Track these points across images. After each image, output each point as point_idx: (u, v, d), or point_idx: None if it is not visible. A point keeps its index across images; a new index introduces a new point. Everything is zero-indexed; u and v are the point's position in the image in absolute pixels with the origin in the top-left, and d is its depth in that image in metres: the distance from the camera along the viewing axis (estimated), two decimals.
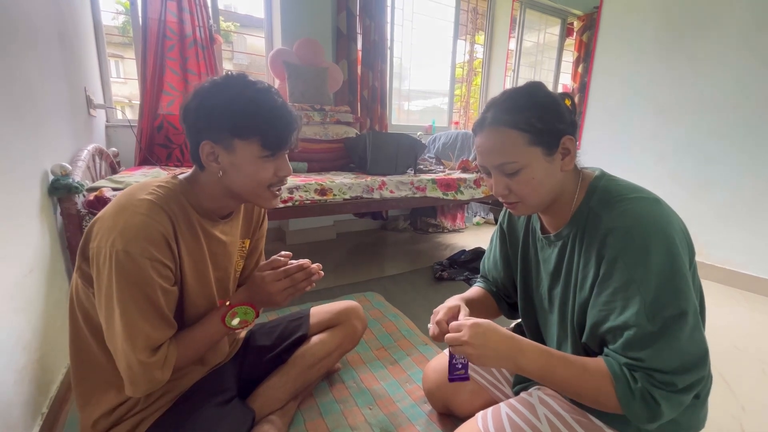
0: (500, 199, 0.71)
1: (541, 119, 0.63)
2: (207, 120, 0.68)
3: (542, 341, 0.80)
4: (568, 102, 0.67)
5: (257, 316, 0.79)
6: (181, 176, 0.76)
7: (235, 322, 0.76)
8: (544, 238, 0.75)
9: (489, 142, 0.66)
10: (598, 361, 0.61)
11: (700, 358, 0.57)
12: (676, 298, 0.55)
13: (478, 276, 0.99)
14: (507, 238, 0.88)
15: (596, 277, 0.62)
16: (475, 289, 0.95)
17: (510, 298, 0.93)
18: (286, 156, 0.76)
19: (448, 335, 0.67)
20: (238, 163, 0.70)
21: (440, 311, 0.74)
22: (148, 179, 0.75)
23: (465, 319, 0.68)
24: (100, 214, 0.67)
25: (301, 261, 0.81)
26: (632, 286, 0.57)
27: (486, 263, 0.96)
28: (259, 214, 0.95)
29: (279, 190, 0.77)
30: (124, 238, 0.62)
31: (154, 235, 0.64)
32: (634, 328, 0.56)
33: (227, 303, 0.77)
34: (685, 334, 0.55)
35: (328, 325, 1.09)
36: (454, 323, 0.68)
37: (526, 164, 0.64)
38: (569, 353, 0.67)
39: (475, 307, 0.87)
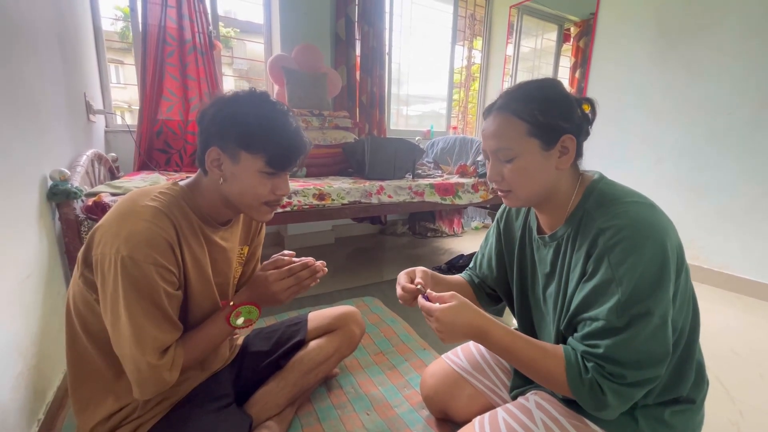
0: (493, 186, 0.72)
1: (545, 113, 0.64)
2: (220, 126, 0.70)
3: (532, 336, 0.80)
4: (586, 108, 0.67)
5: (260, 314, 0.80)
6: (182, 182, 0.76)
7: (240, 321, 0.77)
8: (540, 238, 0.75)
9: (492, 126, 0.68)
10: (556, 347, 0.64)
11: (657, 357, 0.57)
12: (647, 299, 0.56)
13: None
14: (502, 236, 0.89)
15: (583, 273, 0.63)
16: (455, 277, 0.97)
17: (493, 291, 0.94)
18: (287, 176, 0.77)
19: (423, 308, 0.69)
20: (239, 174, 0.71)
21: (401, 278, 0.81)
22: (148, 186, 0.76)
23: (439, 297, 0.69)
24: (102, 221, 0.67)
25: (305, 259, 0.82)
26: (612, 285, 0.58)
27: (478, 259, 0.97)
28: (257, 222, 0.96)
29: (274, 207, 0.79)
30: (128, 245, 0.62)
31: (159, 242, 0.65)
32: (602, 321, 0.58)
33: (231, 303, 0.78)
34: (646, 333, 0.56)
35: (327, 330, 1.09)
36: (427, 304, 0.69)
37: (520, 153, 0.65)
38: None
39: (444, 289, 0.90)
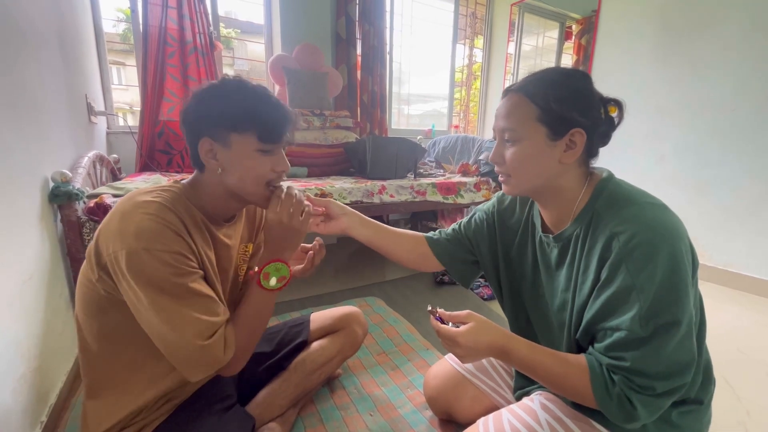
0: (495, 168, 0.71)
1: (560, 102, 0.61)
2: (205, 116, 0.69)
3: (528, 336, 0.78)
4: (612, 110, 0.65)
5: (291, 271, 0.77)
6: (182, 181, 0.76)
7: (273, 282, 0.75)
8: (545, 237, 0.73)
9: (505, 106, 0.66)
10: (580, 359, 0.62)
11: (685, 366, 0.56)
12: (672, 307, 0.54)
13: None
14: (496, 226, 0.85)
15: (597, 279, 0.61)
16: (404, 231, 0.92)
17: (448, 257, 0.90)
18: (283, 152, 0.76)
19: (441, 333, 0.67)
20: (235, 158, 0.70)
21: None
22: (147, 185, 0.76)
23: (454, 316, 0.67)
24: (103, 223, 0.65)
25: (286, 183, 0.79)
26: (633, 293, 0.56)
27: (463, 222, 0.92)
28: (261, 217, 0.95)
29: (278, 186, 0.77)
30: (140, 239, 0.61)
31: (168, 233, 0.64)
32: (625, 331, 0.56)
33: (255, 269, 0.76)
34: (674, 342, 0.55)
35: (329, 330, 1.09)
36: (446, 329, 0.66)
37: (525, 137, 0.63)
38: (561, 352, 0.67)
39: (385, 236, 0.89)
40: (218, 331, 0.67)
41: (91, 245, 0.67)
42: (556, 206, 0.69)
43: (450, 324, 0.68)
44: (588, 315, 0.62)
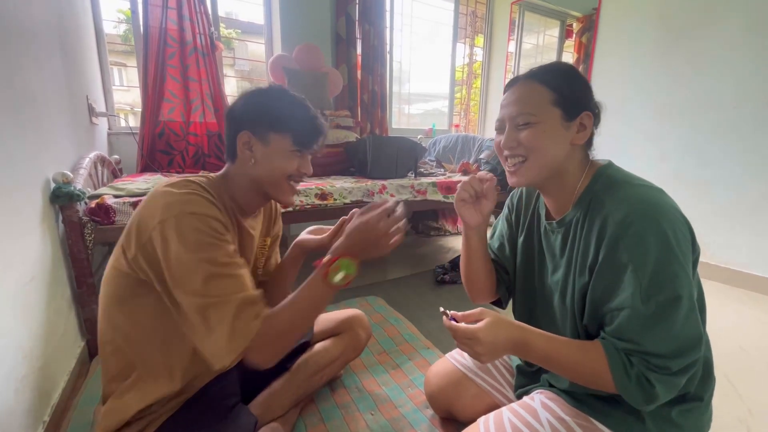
0: (506, 154, 0.69)
1: (571, 87, 0.65)
2: (251, 113, 0.77)
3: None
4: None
5: (358, 271, 0.72)
6: (211, 175, 0.80)
7: (339, 277, 0.69)
8: (548, 224, 0.74)
9: (516, 93, 0.68)
10: (596, 344, 0.62)
11: (694, 341, 0.57)
12: (671, 283, 0.55)
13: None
14: (513, 223, 0.87)
15: (596, 260, 0.62)
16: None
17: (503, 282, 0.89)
18: (309, 159, 0.84)
19: (459, 332, 0.64)
20: (269, 153, 0.77)
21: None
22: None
23: (467, 316, 0.66)
24: (146, 206, 0.66)
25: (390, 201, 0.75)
26: (629, 269, 0.57)
27: (492, 243, 0.91)
28: (276, 210, 1.00)
29: (297, 184, 0.84)
30: (187, 206, 0.64)
31: (208, 206, 0.67)
32: (628, 309, 0.57)
33: (325, 260, 0.71)
34: (680, 318, 0.55)
35: (332, 333, 1.09)
36: (464, 327, 0.64)
37: (541, 121, 0.65)
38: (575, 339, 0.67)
39: (481, 259, 0.83)
40: (256, 296, 0.66)
41: (130, 228, 0.68)
42: (559, 192, 0.71)
43: (464, 323, 0.66)
44: (590, 297, 0.63)
